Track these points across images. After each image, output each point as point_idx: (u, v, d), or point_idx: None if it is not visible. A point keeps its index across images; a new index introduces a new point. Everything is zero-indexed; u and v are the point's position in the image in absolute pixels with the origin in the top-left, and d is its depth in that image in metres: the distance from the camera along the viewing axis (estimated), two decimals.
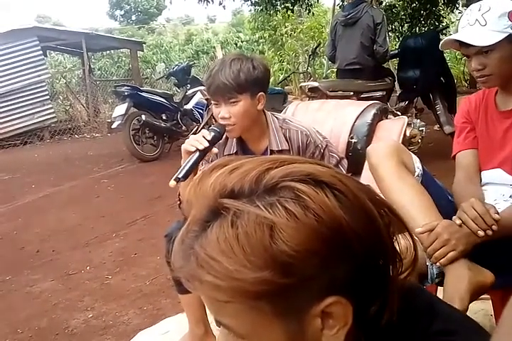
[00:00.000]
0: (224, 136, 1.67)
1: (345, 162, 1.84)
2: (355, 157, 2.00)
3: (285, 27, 11.32)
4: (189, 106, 6.47)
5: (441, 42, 1.52)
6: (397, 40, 8.59)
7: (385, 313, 0.55)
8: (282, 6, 7.80)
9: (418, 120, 4.13)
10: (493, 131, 1.51)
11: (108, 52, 13.05)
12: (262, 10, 8.15)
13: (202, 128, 6.12)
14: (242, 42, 15.40)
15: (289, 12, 8.55)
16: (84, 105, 9.86)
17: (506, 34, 1.36)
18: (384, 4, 8.37)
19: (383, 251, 0.56)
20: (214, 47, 13.33)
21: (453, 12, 9.38)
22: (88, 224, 3.81)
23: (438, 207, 1.30)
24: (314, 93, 4.43)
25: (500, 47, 1.37)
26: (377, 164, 1.39)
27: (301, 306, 0.52)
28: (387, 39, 4.73)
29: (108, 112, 9.47)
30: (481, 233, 1.20)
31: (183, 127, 6.40)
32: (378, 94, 4.55)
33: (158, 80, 10.69)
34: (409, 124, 2.11)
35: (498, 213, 1.23)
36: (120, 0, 30.09)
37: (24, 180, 5.46)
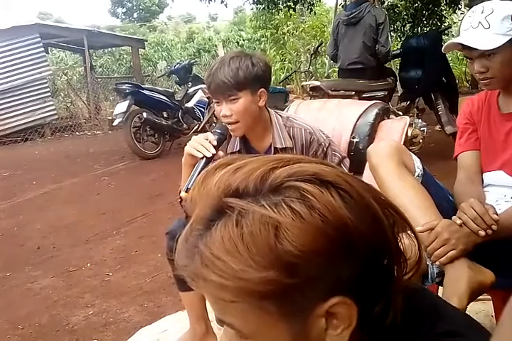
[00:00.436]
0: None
1: (347, 161, 1.84)
2: (357, 156, 2.00)
3: (287, 26, 11.32)
4: (190, 104, 6.47)
5: (444, 46, 1.53)
6: (399, 40, 8.59)
7: (389, 314, 0.55)
8: (284, 5, 7.80)
9: (419, 120, 4.13)
10: (496, 133, 1.51)
11: (110, 49, 13.07)
12: (264, 8, 8.15)
13: (203, 127, 6.15)
14: (243, 40, 15.40)
15: (291, 11, 8.54)
16: (86, 102, 9.87)
17: (509, 37, 1.36)
18: (386, 4, 8.36)
19: (388, 251, 0.56)
20: (216, 45, 13.33)
21: (455, 12, 9.38)
22: (89, 221, 3.82)
23: (438, 207, 1.31)
24: (316, 92, 4.43)
25: (504, 50, 1.37)
26: (377, 164, 1.39)
27: (305, 306, 0.52)
28: (390, 39, 4.73)
29: (109, 109, 9.48)
30: (481, 233, 1.20)
31: (184, 125, 6.39)
32: (380, 93, 4.55)
33: (159, 78, 10.68)
34: (410, 124, 2.11)
35: (497, 213, 1.23)
36: None
37: (25, 177, 5.47)
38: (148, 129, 6.04)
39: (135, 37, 12.34)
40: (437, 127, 5.18)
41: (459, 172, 1.56)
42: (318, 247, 0.50)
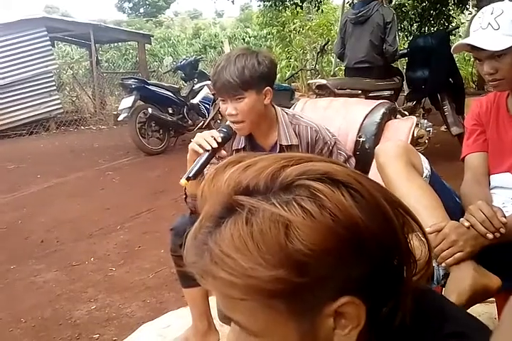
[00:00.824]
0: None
1: (353, 160, 1.84)
2: (363, 156, 2.00)
3: (293, 23, 11.28)
4: (196, 100, 6.48)
5: (453, 46, 1.52)
6: (406, 39, 8.56)
7: (397, 315, 0.55)
8: (291, 2, 7.78)
9: (425, 120, 4.11)
10: (504, 135, 1.51)
11: (116, 44, 13.06)
12: (270, 6, 8.14)
13: (208, 123, 6.15)
14: (249, 37, 15.37)
15: (298, 8, 8.51)
16: (91, 97, 9.88)
17: None
18: (393, 3, 8.33)
19: (398, 252, 0.55)
20: (222, 42, 13.32)
21: (463, 13, 9.33)
22: (93, 215, 3.82)
23: (445, 209, 1.30)
24: (322, 90, 4.42)
25: None
26: (385, 164, 1.39)
27: (315, 305, 0.52)
28: (397, 38, 4.71)
29: (114, 104, 9.48)
30: (489, 236, 1.20)
31: (189, 121, 6.40)
32: (386, 93, 4.54)
33: (165, 74, 10.69)
34: (416, 124, 2.10)
35: (505, 216, 1.23)
36: None
37: (29, 170, 5.48)
38: (153, 125, 6.05)
39: (141, 32, 12.30)
40: (443, 128, 5.17)
41: (466, 174, 1.56)
42: (329, 246, 0.50)
